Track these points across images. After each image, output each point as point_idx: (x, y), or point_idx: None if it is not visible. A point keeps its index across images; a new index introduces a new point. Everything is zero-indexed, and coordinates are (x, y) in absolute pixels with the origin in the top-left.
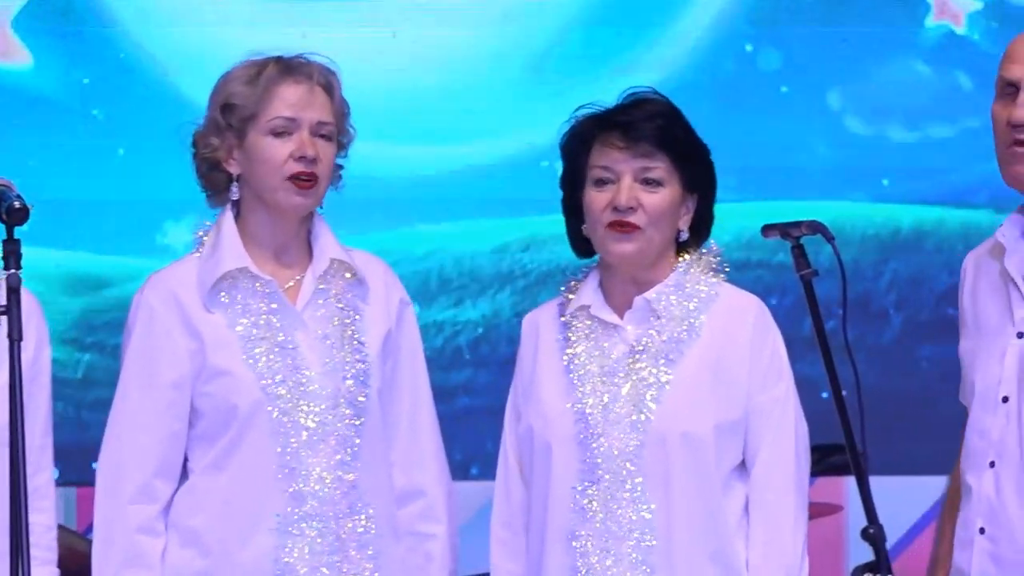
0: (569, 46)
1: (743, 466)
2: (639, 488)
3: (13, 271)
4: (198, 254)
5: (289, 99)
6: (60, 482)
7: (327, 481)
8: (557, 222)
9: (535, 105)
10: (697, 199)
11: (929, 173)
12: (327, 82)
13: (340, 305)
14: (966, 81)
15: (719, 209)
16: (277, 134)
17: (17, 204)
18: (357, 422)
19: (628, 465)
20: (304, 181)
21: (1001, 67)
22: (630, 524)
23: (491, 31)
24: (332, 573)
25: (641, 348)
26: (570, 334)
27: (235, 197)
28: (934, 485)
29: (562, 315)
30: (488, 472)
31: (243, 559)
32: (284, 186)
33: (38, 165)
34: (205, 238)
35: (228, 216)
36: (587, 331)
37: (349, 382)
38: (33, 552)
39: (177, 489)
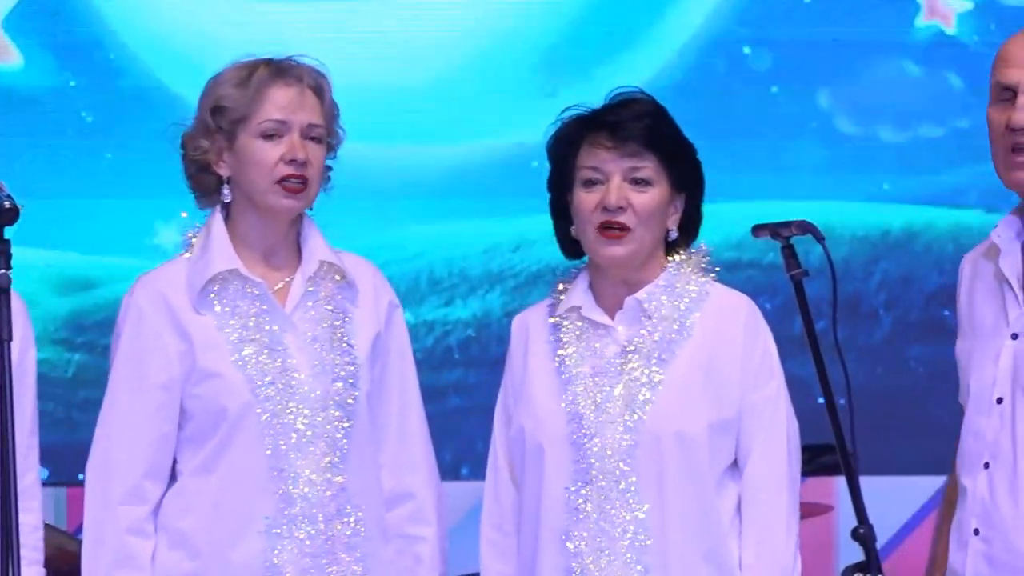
0: (560, 46)
1: (735, 465)
2: (633, 488)
3: (3, 271)
4: (187, 255)
5: (279, 102)
6: (50, 482)
7: (316, 483)
8: (547, 222)
9: (525, 105)
10: (685, 199)
11: (919, 173)
12: (317, 84)
13: (329, 307)
14: (956, 81)
15: (709, 209)
16: (267, 137)
17: (7, 204)
18: (346, 424)
19: (621, 465)
20: (294, 184)
21: (996, 71)
22: (624, 524)
23: (481, 32)
24: (321, 575)
25: (633, 348)
26: (561, 335)
27: (227, 199)
28: (924, 485)
29: (552, 316)
30: (478, 472)
31: (232, 561)
32: (274, 189)
33: (28, 165)
34: (194, 239)
35: (218, 218)
36: (578, 332)
37: (338, 384)
38: (20, 552)
39: (166, 491)
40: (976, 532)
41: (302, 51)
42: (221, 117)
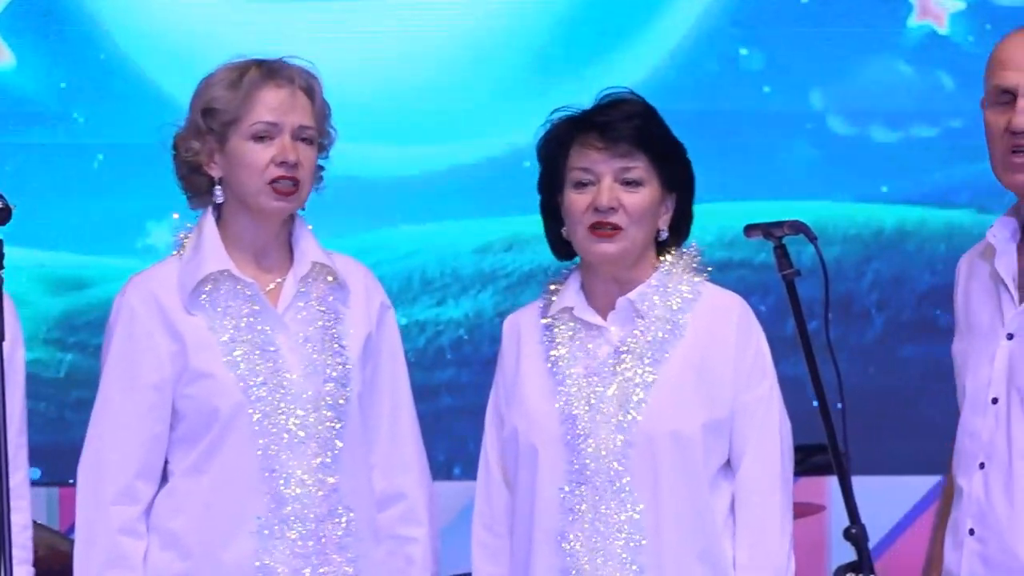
0: (551, 46)
1: (728, 465)
2: (627, 488)
3: None
4: (179, 256)
5: (270, 103)
6: (43, 482)
7: (308, 484)
8: (539, 222)
9: (517, 105)
10: (676, 198)
11: (911, 173)
12: (308, 85)
13: (321, 308)
14: (948, 81)
15: (702, 209)
16: (259, 138)
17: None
18: (338, 425)
19: (616, 465)
20: (285, 186)
21: (993, 74)
22: (619, 524)
23: (473, 32)
24: None
25: (626, 349)
26: (554, 336)
27: (219, 201)
28: (916, 485)
29: (544, 317)
30: (471, 472)
31: (224, 561)
32: (265, 190)
33: (20, 165)
34: (186, 240)
35: (209, 218)
36: (571, 333)
37: (330, 385)
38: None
39: (158, 492)
40: (971, 532)
41: (295, 51)
42: (212, 119)
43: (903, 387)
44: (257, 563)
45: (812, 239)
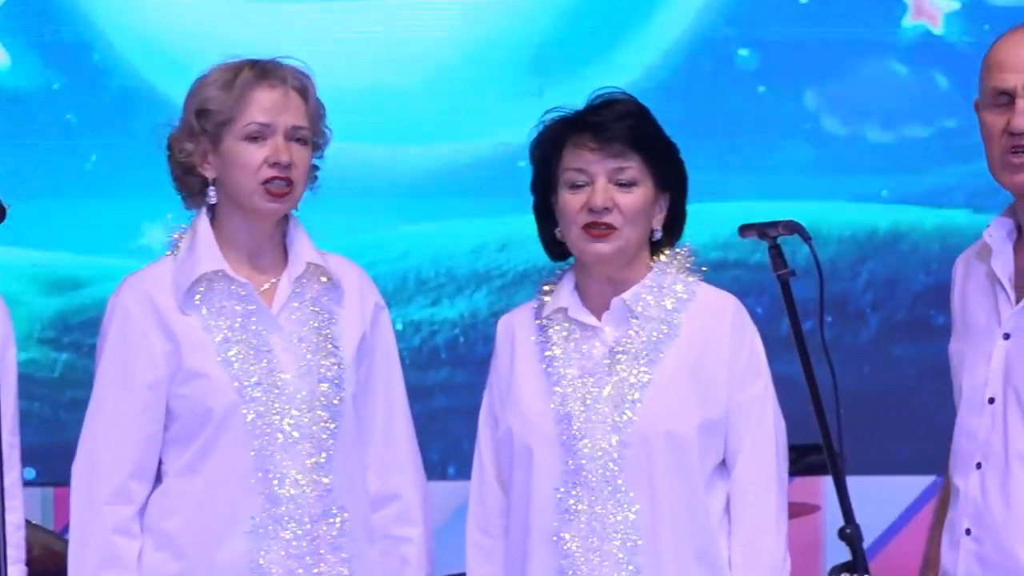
0: (546, 47)
1: (723, 465)
2: (623, 488)
3: None
4: (173, 256)
5: (264, 104)
6: (37, 482)
7: (302, 484)
8: (534, 222)
9: (512, 105)
10: (669, 198)
11: (906, 173)
12: (302, 85)
13: (315, 309)
14: (943, 81)
15: (696, 209)
16: (252, 139)
17: None
18: (332, 425)
19: (611, 465)
20: (278, 187)
21: (990, 76)
22: (615, 524)
23: (468, 32)
24: None
25: (620, 349)
26: (548, 337)
27: (213, 201)
28: (911, 485)
29: (538, 318)
30: (465, 472)
31: (218, 562)
32: (259, 191)
33: (15, 165)
34: (180, 240)
35: (203, 219)
36: (565, 333)
37: (324, 385)
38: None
39: (152, 492)
40: (968, 532)
41: (288, 52)
42: (206, 119)
43: (898, 387)
44: (251, 563)
45: (807, 239)
